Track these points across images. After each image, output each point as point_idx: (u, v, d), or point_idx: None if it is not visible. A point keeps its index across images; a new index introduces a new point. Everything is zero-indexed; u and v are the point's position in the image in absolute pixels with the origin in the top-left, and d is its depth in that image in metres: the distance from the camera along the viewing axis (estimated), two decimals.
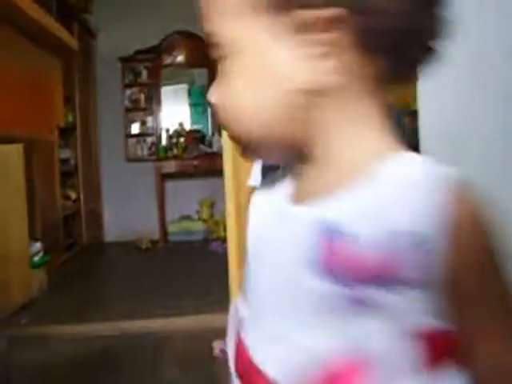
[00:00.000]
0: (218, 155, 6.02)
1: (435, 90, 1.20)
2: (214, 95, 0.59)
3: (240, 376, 0.61)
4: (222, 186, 3.28)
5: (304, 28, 0.52)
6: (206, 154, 6.33)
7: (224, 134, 3.24)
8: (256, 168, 2.89)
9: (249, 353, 0.59)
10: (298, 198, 0.58)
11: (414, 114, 2.19)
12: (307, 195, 0.56)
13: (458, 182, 0.50)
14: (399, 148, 0.55)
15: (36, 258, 3.88)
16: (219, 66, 0.58)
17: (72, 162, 5.74)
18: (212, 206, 6.42)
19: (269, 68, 0.55)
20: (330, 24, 0.51)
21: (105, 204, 6.62)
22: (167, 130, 6.50)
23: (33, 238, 3.94)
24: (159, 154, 6.35)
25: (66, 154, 5.52)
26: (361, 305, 0.50)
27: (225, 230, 4.58)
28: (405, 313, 0.50)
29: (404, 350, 0.50)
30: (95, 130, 6.54)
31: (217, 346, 2.64)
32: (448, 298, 0.51)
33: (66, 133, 5.59)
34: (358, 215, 0.50)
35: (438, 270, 0.49)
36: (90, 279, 4.50)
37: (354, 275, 0.50)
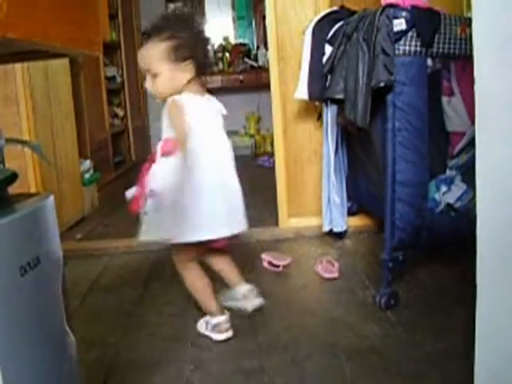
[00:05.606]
0: (263, 69, 5.93)
1: None
2: (149, 87, 1.95)
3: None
4: (268, 100, 3.24)
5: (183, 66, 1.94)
6: (252, 67, 6.23)
7: (270, 47, 3.17)
8: (302, 81, 2.83)
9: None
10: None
11: (466, 23, 2.09)
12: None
13: (174, 99, 1.87)
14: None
15: (86, 176, 3.94)
16: (150, 78, 1.95)
17: (118, 79, 5.73)
18: (258, 120, 6.38)
19: (170, 80, 1.93)
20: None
21: (151, 121, 6.65)
22: (212, 45, 6.39)
23: (82, 156, 4.00)
24: None
25: (111, 71, 5.51)
26: None
27: (272, 144, 4.57)
28: None
29: None
30: (139, 46, 6.48)
31: (265, 258, 2.68)
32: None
33: (111, 50, 5.57)
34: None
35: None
36: None
37: None
